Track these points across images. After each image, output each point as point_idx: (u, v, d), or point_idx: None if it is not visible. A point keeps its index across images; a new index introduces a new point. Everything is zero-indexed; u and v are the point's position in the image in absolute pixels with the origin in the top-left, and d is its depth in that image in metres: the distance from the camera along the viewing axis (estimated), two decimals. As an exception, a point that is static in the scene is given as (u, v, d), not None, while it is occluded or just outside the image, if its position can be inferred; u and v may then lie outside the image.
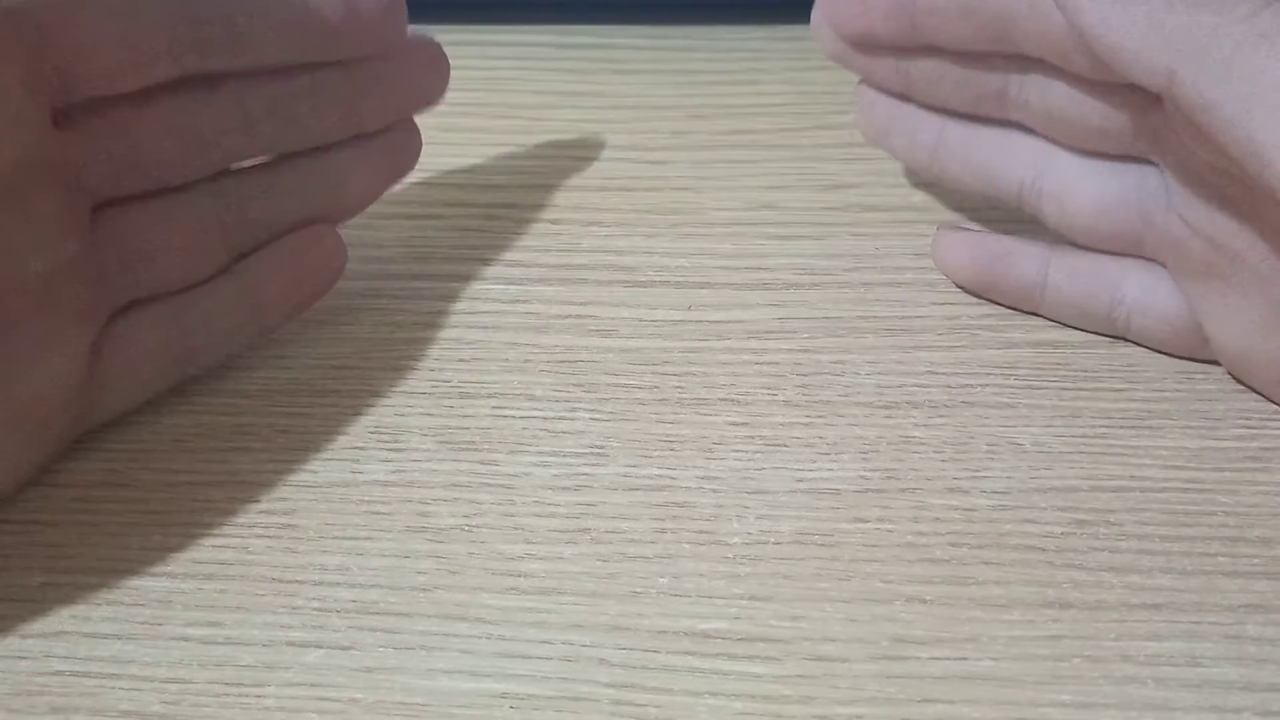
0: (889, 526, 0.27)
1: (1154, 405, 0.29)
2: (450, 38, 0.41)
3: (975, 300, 0.32)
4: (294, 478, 0.28)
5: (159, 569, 0.26)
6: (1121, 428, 0.29)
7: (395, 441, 0.29)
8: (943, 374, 0.30)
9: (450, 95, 0.39)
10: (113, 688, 0.24)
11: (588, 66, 0.40)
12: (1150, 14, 0.24)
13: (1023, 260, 0.31)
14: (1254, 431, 0.28)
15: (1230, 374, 0.29)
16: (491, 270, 0.33)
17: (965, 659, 0.24)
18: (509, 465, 0.28)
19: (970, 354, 0.30)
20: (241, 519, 0.27)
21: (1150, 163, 0.28)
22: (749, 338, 0.31)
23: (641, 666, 0.25)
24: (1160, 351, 0.30)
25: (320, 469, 0.28)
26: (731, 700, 0.24)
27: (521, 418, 0.29)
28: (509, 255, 0.33)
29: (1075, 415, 0.29)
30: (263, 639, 0.25)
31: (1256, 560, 0.26)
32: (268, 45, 0.28)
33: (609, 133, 0.38)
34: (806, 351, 0.31)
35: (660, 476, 0.28)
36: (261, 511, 0.28)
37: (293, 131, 0.29)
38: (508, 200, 0.35)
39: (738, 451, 0.28)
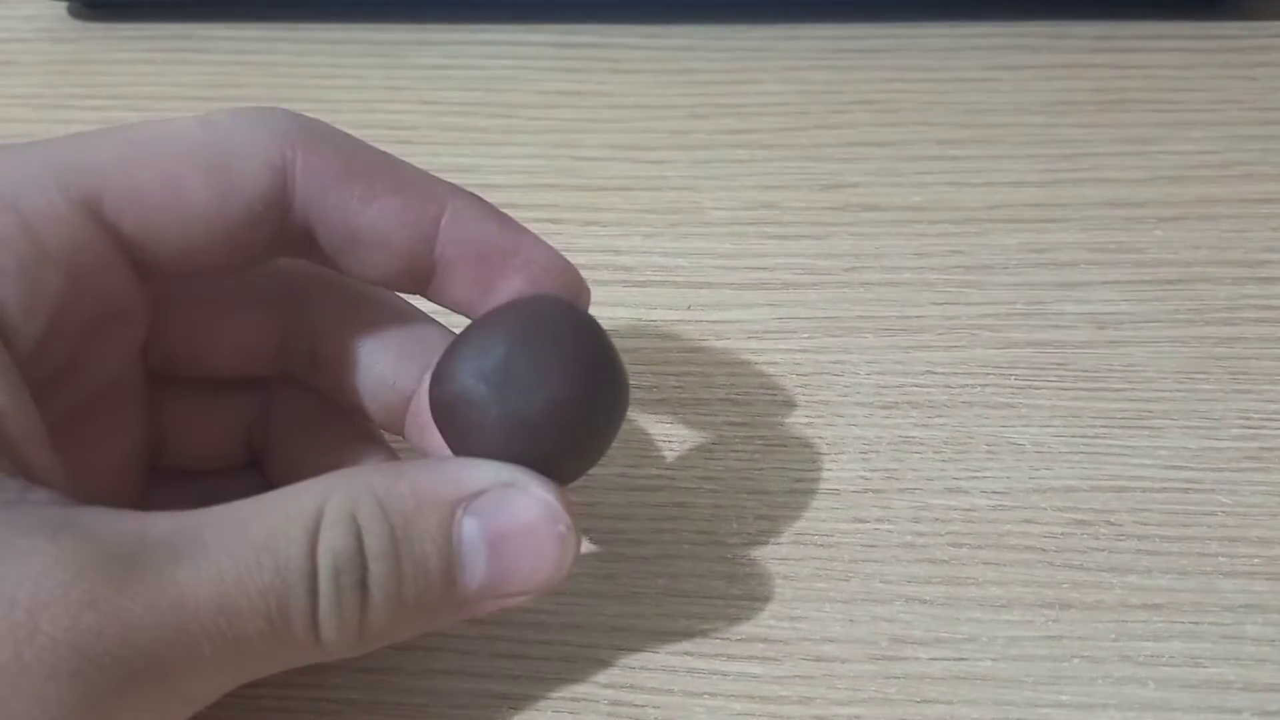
0: (888, 527, 0.27)
1: (1153, 405, 0.29)
2: (450, 37, 0.41)
3: (974, 300, 0.32)
4: (293, 478, 0.28)
5: (158, 570, 0.26)
6: (1121, 428, 0.29)
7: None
8: (942, 374, 0.30)
9: (450, 95, 0.39)
10: (111, 688, 0.24)
11: (587, 66, 0.40)
12: None
13: None
14: (1253, 431, 0.28)
15: None
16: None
17: (964, 659, 0.24)
18: (508, 465, 0.28)
19: (969, 354, 0.30)
20: (240, 519, 0.27)
21: None
22: (748, 338, 0.31)
23: (640, 667, 0.25)
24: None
25: (319, 469, 0.28)
26: (730, 701, 0.24)
27: (520, 418, 0.29)
28: (508, 255, 0.33)
29: (1074, 415, 0.29)
30: (261, 640, 0.25)
31: (1256, 560, 0.26)
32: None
33: (608, 132, 0.38)
34: (806, 351, 0.31)
35: (659, 476, 0.28)
36: (260, 512, 0.27)
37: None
38: (507, 200, 0.35)
39: (737, 451, 0.28)
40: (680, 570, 0.26)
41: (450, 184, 0.23)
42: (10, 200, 0.20)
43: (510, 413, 0.21)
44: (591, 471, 0.28)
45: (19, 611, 0.17)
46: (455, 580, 0.20)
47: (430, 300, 0.24)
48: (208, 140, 0.21)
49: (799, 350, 0.31)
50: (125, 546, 0.18)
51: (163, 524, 0.19)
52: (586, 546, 0.27)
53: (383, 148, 0.23)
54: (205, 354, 0.25)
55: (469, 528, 0.20)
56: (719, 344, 0.31)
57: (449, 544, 0.20)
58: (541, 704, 0.24)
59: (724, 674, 0.24)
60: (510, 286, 0.23)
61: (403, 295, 0.25)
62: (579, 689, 0.24)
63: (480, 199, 0.23)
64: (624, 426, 0.28)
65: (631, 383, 0.23)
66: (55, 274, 0.20)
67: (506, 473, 0.21)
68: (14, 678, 0.17)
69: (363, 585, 0.19)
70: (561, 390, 0.21)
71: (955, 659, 0.24)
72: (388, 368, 0.24)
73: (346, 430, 0.26)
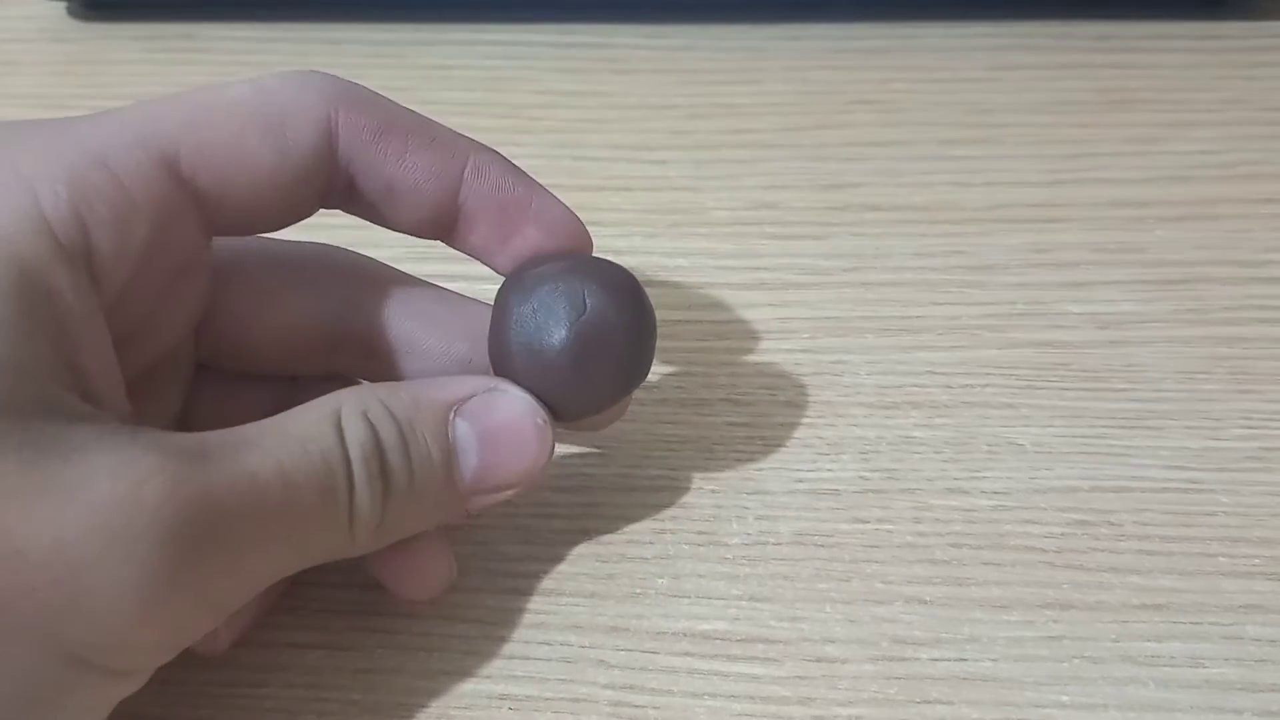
0: (889, 527, 0.27)
1: (1155, 405, 0.29)
2: (450, 37, 0.41)
3: (976, 300, 0.32)
4: (293, 478, 0.28)
5: (158, 570, 0.26)
6: (1123, 428, 0.29)
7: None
8: (943, 374, 0.30)
9: (450, 95, 0.39)
10: (111, 689, 0.24)
11: (587, 66, 0.40)
12: None
13: None
14: (1255, 431, 0.28)
15: None
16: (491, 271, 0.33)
17: (965, 660, 0.24)
18: (508, 466, 0.28)
19: (971, 354, 0.30)
20: (240, 520, 0.27)
21: None
22: (749, 338, 0.31)
23: (641, 668, 0.25)
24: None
25: (319, 469, 0.28)
26: (731, 701, 0.24)
27: (521, 418, 0.29)
28: (509, 255, 0.33)
29: (1076, 415, 0.29)
30: (262, 640, 0.25)
31: (1257, 561, 0.26)
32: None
33: (609, 132, 0.38)
34: (807, 351, 0.31)
35: (660, 477, 0.28)
36: (260, 512, 0.27)
37: None
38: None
39: (737, 452, 0.28)
40: (680, 570, 0.26)
41: (473, 140, 0.25)
42: (100, 157, 0.21)
43: (525, 346, 0.24)
44: (591, 471, 0.28)
45: (122, 485, 0.19)
46: (453, 472, 0.23)
47: (451, 246, 0.25)
48: (262, 103, 0.23)
49: (800, 350, 0.31)
50: (194, 447, 0.20)
51: (215, 434, 0.21)
52: (587, 546, 0.27)
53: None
54: (252, 344, 0.26)
55: (461, 427, 0.23)
56: (720, 344, 0.31)
57: (446, 440, 0.23)
58: (542, 704, 0.24)
59: (725, 675, 0.24)
60: (524, 237, 0.25)
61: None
62: (579, 689, 0.24)
63: (500, 155, 0.25)
64: (625, 426, 0.28)
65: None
66: (143, 224, 0.22)
67: (489, 380, 0.24)
68: (113, 541, 0.19)
69: (383, 472, 0.22)
70: (569, 338, 0.24)
71: (957, 659, 0.24)
72: (463, 352, 0.26)
73: None
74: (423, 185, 0.24)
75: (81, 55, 0.41)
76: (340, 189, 0.24)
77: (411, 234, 0.25)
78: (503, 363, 0.24)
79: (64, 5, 0.43)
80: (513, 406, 0.24)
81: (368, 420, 0.22)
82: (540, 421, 0.24)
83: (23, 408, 0.19)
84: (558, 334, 0.24)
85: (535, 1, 0.42)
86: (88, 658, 0.19)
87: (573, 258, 0.25)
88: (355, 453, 0.22)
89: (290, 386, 0.26)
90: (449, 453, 0.23)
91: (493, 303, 0.25)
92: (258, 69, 0.40)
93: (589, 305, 0.24)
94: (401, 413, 0.23)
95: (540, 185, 0.25)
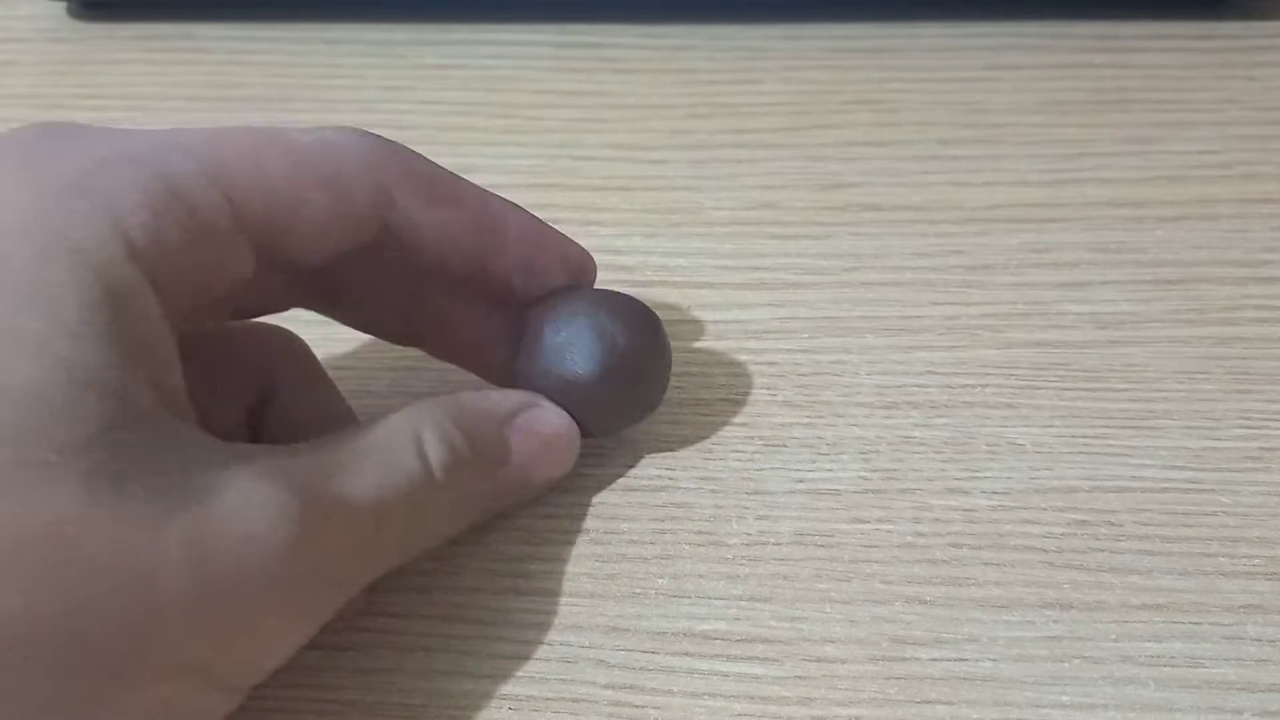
0: (888, 527, 0.27)
1: (1155, 405, 0.29)
2: (450, 37, 0.41)
3: (975, 300, 0.32)
4: (292, 478, 0.28)
5: (157, 570, 0.26)
6: (1122, 428, 0.29)
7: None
8: (942, 374, 0.30)
9: (449, 95, 0.39)
10: (111, 689, 0.24)
11: (586, 66, 0.40)
12: None
13: None
14: (1254, 432, 0.28)
15: None
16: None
17: (965, 660, 0.24)
18: (508, 466, 0.28)
19: (970, 354, 0.30)
20: (240, 520, 0.27)
21: None
22: (748, 338, 0.31)
23: (640, 668, 0.25)
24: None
25: (319, 470, 0.28)
26: (730, 701, 0.24)
27: (520, 418, 0.29)
28: (508, 255, 0.33)
29: (1075, 415, 0.29)
30: (261, 640, 0.25)
31: (1257, 561, 0.26)
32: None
33: (608, 132, 0.38)
34: (806, 351, 0.31)
35: (659, 477, 0.28)
36: (260, 512, 0.27)
37: None
38: (507, 200, 0.35)
39: (737, 452, 0.28)
40: (680, 570, 0.26)
41: (507, 201, 0.27)
42: (172, 183, 0.21)
43: (558, 371, 0.26)
44: (591, 471, 0.28)
45: (258, 525, 0.20)
46: (508, 465, 0.26)
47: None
48: (323, 153, 0.24)
49: (799, 350, 0.31)
50: (313, 480, 0.22)
51: (319, 456, 0.22)
52: (587, 546, 0.27)
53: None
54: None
55: (514, 436, 0.26)
56: (719, 344, 0.31)
57: (502, 443, 0.26)
58: (541, 704, 0.24)
59: (724, 675, 0.24)
60: (553, 276, 0.27)
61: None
62: (579, 689, 0.24)
63: (528, 212, 0.27)
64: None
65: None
66: (209, 254, 0.22)
67: (530, 397, 0.26)
68: (246, 581, 0.20)
69: (454, 467, 0.24)
70: (599, 368, 0.26)
71: (956, 659, 0.24)
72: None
73: (331, 403, 0.28)
74: (464, 246, 0.26)
75: (81, 55, 0.41)
76: (388, 244, 0.25)
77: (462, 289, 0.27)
78: (535, 382, 0.27)
79: (63, 5, 0.43)
80: (554, 421, 0.27)
81: (448, 442, 0.24)
82: (574, 434, 0.27)
83: (137, 434, 0.20)
84: (588, 362, 0.26)
85: (535, 1, 0.42)
86: (208, 682, 0.21)
87: (596, 292, 0.27)
88: (440, 476, 0.24)
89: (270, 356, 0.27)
90: (505, 452, 0.26)
91: (525, 326, 0.27)
92: (257, 69, 0.40)
93: (616, 338, 0.26)
94: (468, 428, 0.25)
95: (555, 230, 0.27)
